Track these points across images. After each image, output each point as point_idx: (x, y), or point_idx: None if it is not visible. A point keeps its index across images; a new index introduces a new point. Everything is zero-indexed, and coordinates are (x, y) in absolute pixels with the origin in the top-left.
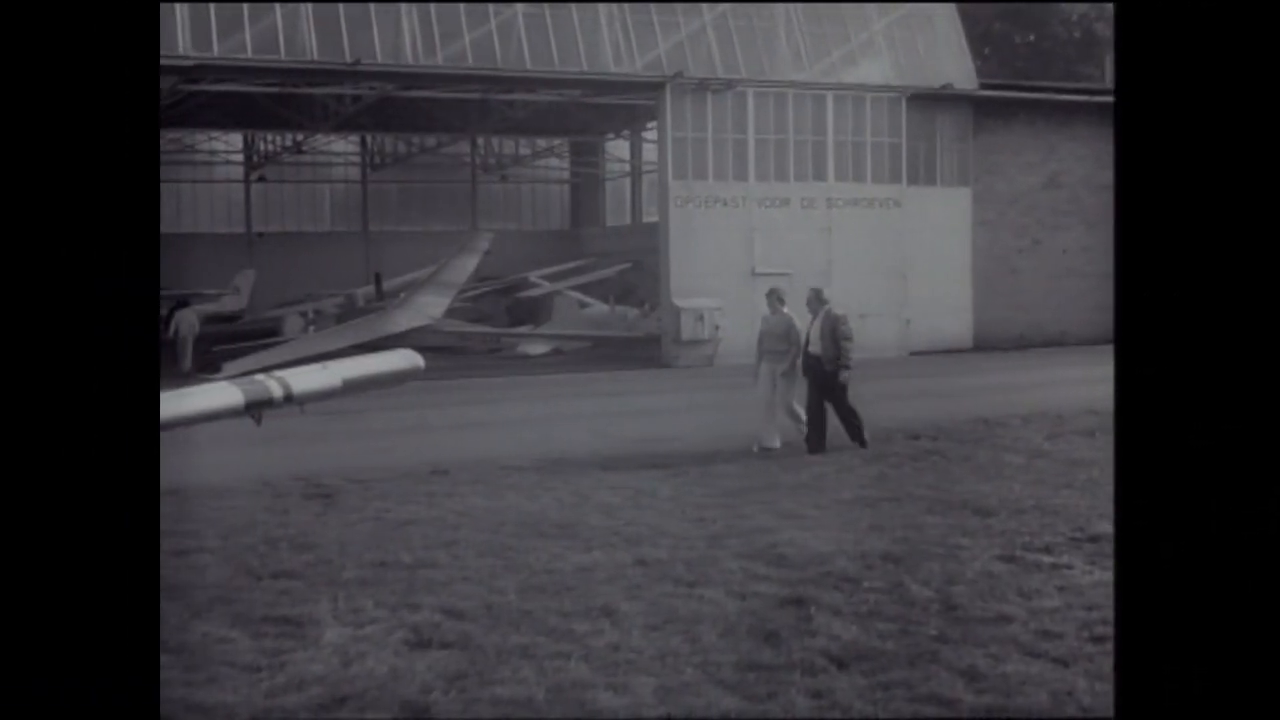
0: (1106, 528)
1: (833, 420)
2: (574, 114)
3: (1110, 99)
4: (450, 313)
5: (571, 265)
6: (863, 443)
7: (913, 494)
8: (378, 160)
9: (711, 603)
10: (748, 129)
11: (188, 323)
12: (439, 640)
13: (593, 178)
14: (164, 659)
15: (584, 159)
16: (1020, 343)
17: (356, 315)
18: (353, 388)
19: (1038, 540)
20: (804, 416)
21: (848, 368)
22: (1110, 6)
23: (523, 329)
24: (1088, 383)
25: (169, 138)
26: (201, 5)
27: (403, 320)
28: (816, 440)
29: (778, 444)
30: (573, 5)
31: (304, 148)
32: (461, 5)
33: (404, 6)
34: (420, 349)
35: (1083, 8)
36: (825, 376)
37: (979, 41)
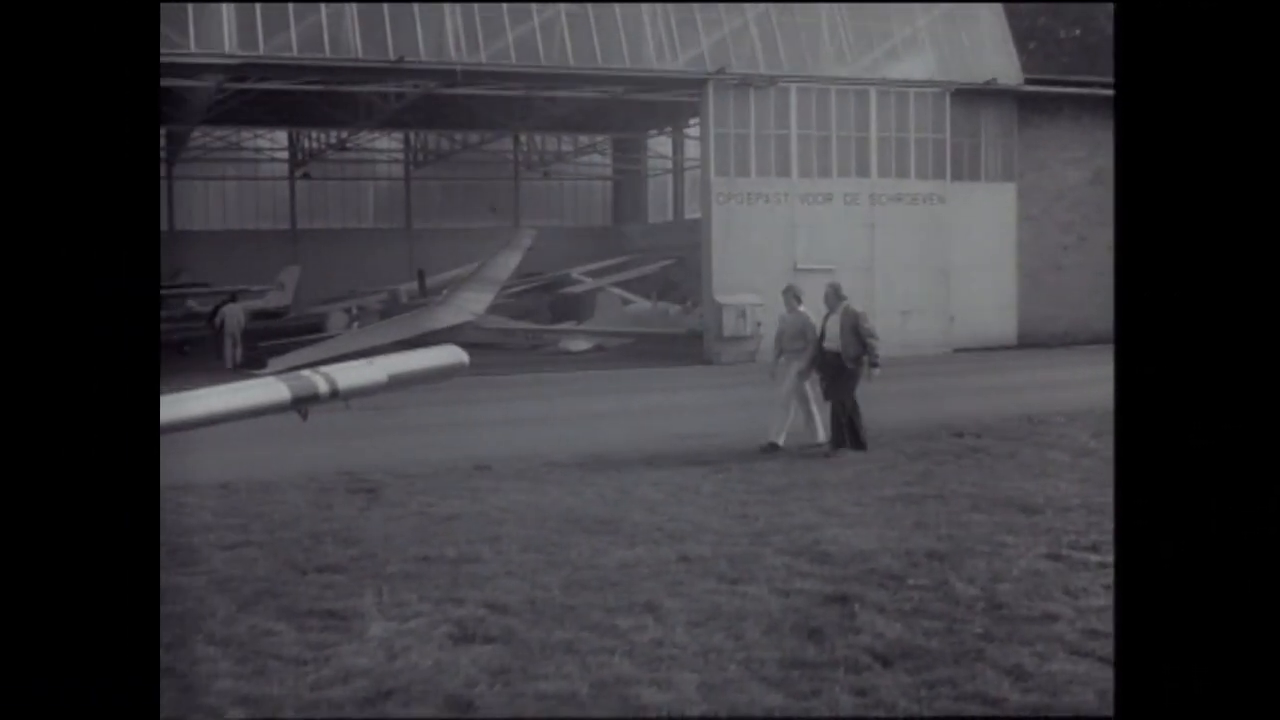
0: None
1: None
2: (616, 110)
3: None
4: (493, 309)
5: (614, 262)
6: (831, 447)
7: (957, 491)
8: (421, 157)
9: (755, 599)
10: (790, 125)
11: (235, 318)
12: (483, 635)
13: (635, 174)
14: (212, 651)
15: (626, 155)
16: (1065, 340)
17: (400, 312)
18: (398, 383)
19: (1084, 538)
20: (817, 415)
21: (876, 365)
22: None
23: (565, 325)
24: None
25: (215, 135)
26: (247, 5)
27: (446, 317)
28: (852, 438)
29: (782, 442)
30: (616, 5)
31: (348, 145)
32: (505, 5)
33: (448, 5)
34: (463, 345)
35: None
36: (843, 373)
37: (1024, 36)
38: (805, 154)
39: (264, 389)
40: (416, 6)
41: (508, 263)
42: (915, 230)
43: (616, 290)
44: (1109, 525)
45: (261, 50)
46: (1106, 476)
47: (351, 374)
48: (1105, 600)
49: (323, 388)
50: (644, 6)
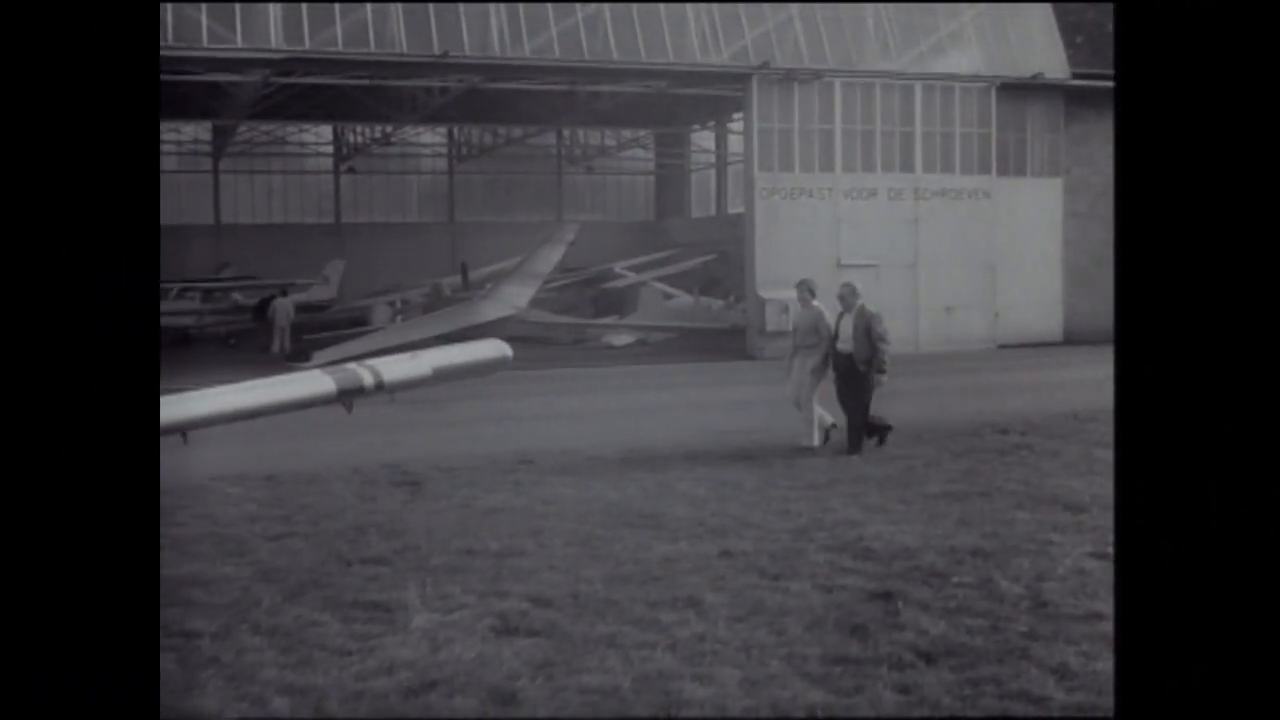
0: None
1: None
2: (660, 105)
3: None
4: (535, 303)
5: (656, 256)
6: (857, 448)
7: (1002, 489)
8: (465, 152)
9: (797, 595)
10: (834, 120)
11: (284, 311)
12: (526, 628)
13: (678, 169)
14: (258, 641)
15: (669, 150)
16: (1111, 336)
17: (443, 305)
18: (442, 376)
19: None
20: (819, 414)
21: (883, 371)
22: None
23: (607, 320)
24: None
25: (261, 130)
26: (294, 3)
27: (489, 310)
28: (872, 432)
29: (816, 442)
30: (660, 4)
31: (392, 139)
32: (550, 5)
33: (492, 1)
34: (506, 339)
35: None
36: (856, 374)
37: (1071, 30)
38: (849, 149)
39: (310, 382)
40: (461, 3)
41: (550, 257)
42: (960, 226)
43: (659, 285)
44: None
45: (307, 45)
46: None
47: (396, 367)
48: None
49: (368, 381)
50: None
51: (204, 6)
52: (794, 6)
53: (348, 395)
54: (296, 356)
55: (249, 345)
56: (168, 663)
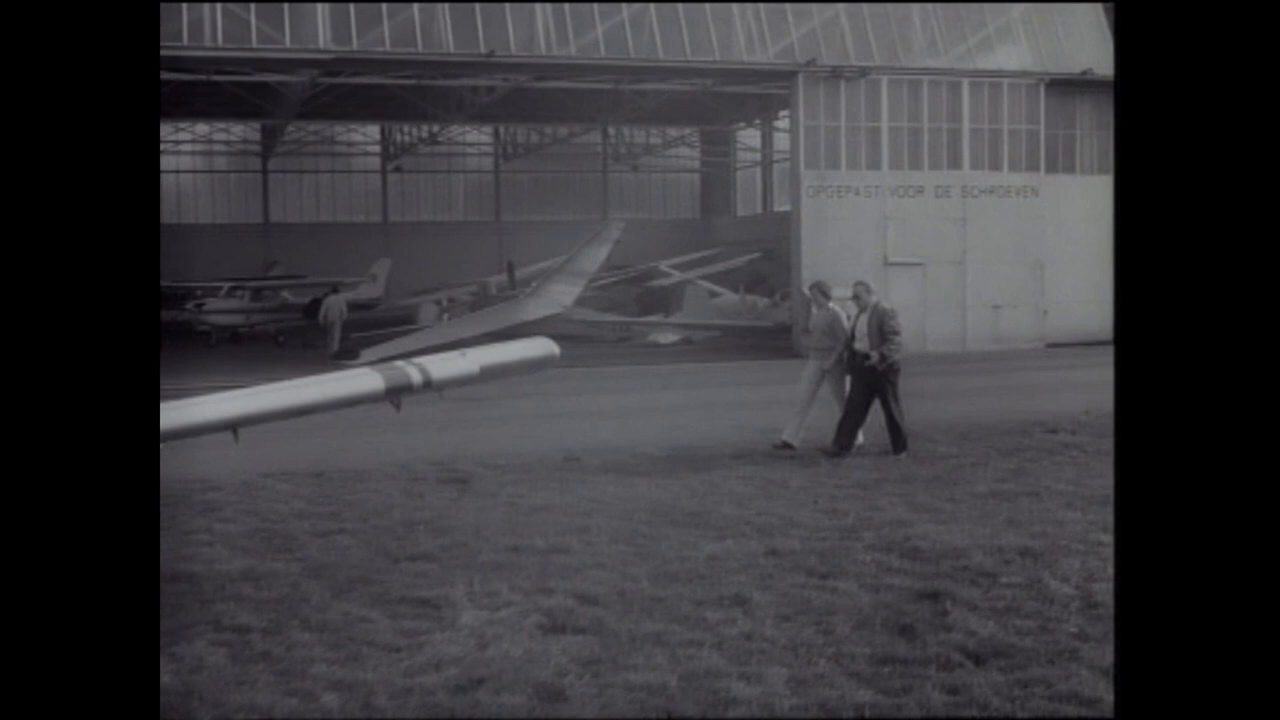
0: None
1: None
2: (705, 103)
3: None
4: (581, 301)
5: (702, 255)
6: (903, 447)
7: (1051, 489)
8: (510, 150)
9: (845, 595)
10: (881, 117)
11: (336, 308)
12: (573, 625)
13: (724, 167)
14: (307, 636)
15: (715, 148)
16: None
17: (489, 304)
18: (490, 374)
19: None
20: (804, 418)
21: (886, 358)
22: None
23: (653, 318)
24: None
25: (309, 129)
26: (342, 4)
27: (534, 309)
28: (847, 438)
29: (797, 444)
30: (706, 4)
31: (439, 138)
32: (596, 4)
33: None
34: (551, 337)
35: None
36: (872, 374)
37: None
38: (896, 146)
39: (359, 380)
40: (507, 2)
41: (596, 255)
42: (1008, 223)
43: (704, 283)
44: None
45: (355, 45)
46: None
47: (445, 365)
48: None
49: (416, 378)
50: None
51: (253, 7)
52: (841, 3)
53: (396, 393)
54: (344, 354)
55: (298, 343)
56: (219, 657)
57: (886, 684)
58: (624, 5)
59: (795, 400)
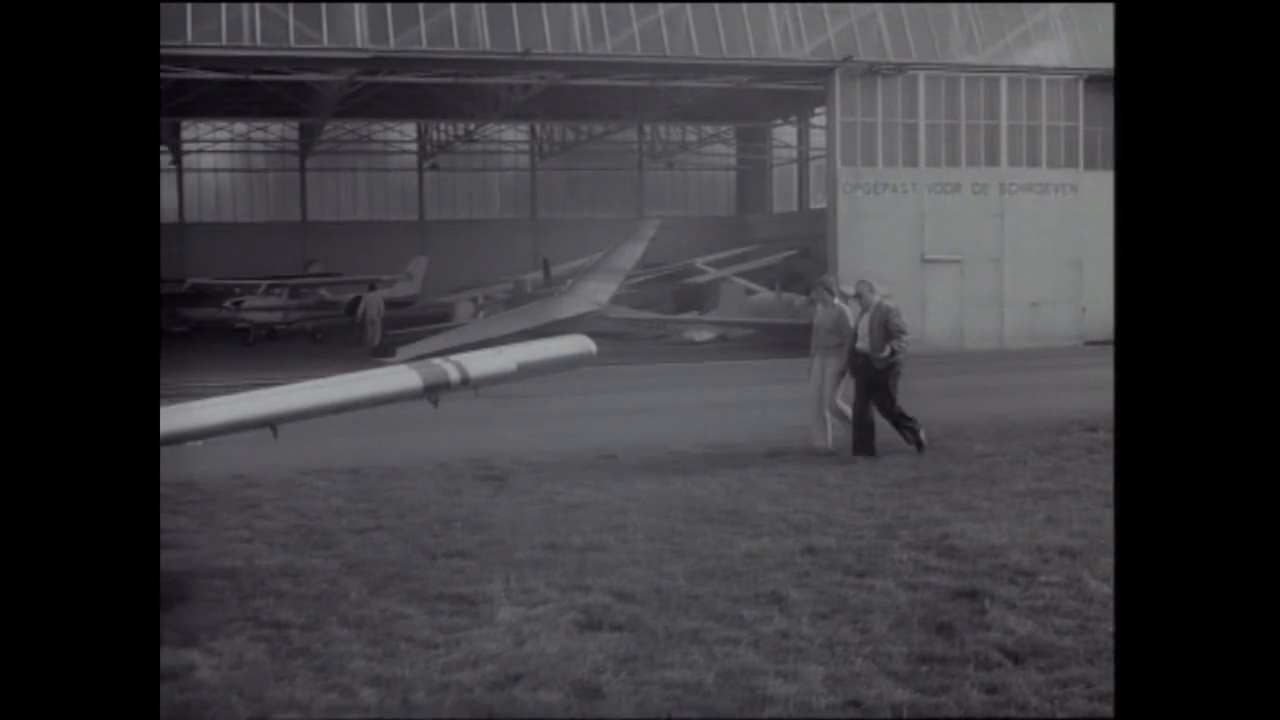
0: None
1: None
2: (741, 100)
3: None
4: (616, 299)
5: (737, 252)
6: (919, 445)
7: (1090, 487)
8: (546, 148)
9: (882, 593)
10: (918, 113)
11: (374, 305)
12: (609, 622)
13: (760, 164)
14: (346, 632)
15: (751, 145)
16: None
17: (525, 301)
18: (527, 372)
19: None
20: (849, 414)
21: (885, 354)
22: None
23: (688, 315)
24: None
25: (346, 128)
26: (379, 4)
27: (570, 306)
28: (862, 441)
29: (829, 444)
30: (744, 5)
31: (475, 137)
32: (632, 3)
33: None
34: (587, 335)
35: None
36: (873, 374)
37: None
38: (933, 143)
39: (398, 377)
40: (543, 2)
41: (632, 253)
42: (1047, 220)
43: (740, 280)
44: None
45: (392, 44)
46: None
47: (482, 362)
48: None
49: (454, 376)
50: None
51: (291, 7)
52: (877, 2)
53: (433, 390)
54: (382, 352)
55: (338, 341)
56: (258, 653)
57: (924, 683)
58: (660, 4)
59: (812, 402)
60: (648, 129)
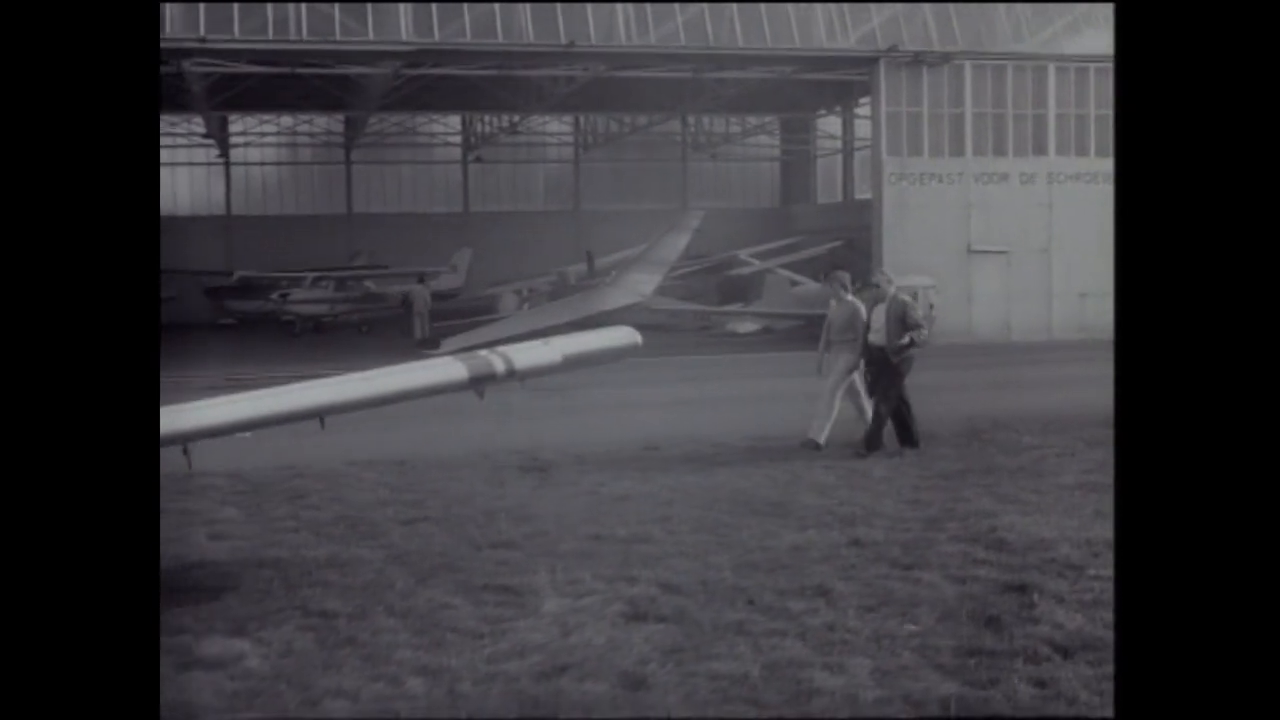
0: None
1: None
2: (785, 91)
3: None
4: (660, 290)
5: (782, 243)
6: (913, 443)
7: None
8: (590, 140)
9: (929, 586)
10: (965, 103)
11: (421, 298)
12: (655, 614)
13: (804, 155)
14: (392, 622)
15: (795, 136)
16: None
17: (568, 293)
18: (573, 363)
19: None
20: (869, 411)
21: (904, 341)
22: None
23: (733, 307)
24: None
25: (391, 121)
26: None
27: (614, 298)
28: (905, 433)
29: (823, 440)
30: None
31: (519, 129)
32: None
33: None
34: (631, 326)
35: None
36: (888, 367)
37: None
38: (980, 132)
39: (444, 369)
40: None
41: (676, 244)
42: (1095, 210)
43: (784, 272)
44: None
45: (436, 37)
46: None
47: (528, 354)
48: None
49: (500, 367)
50: None
51: (336, 4)
52: None
53: (480, 382)
54: (428, 344)
55: (381, 332)
56: (307, 642)
57: (972, 676)
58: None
59: (828, 402)
60: (691, 120)
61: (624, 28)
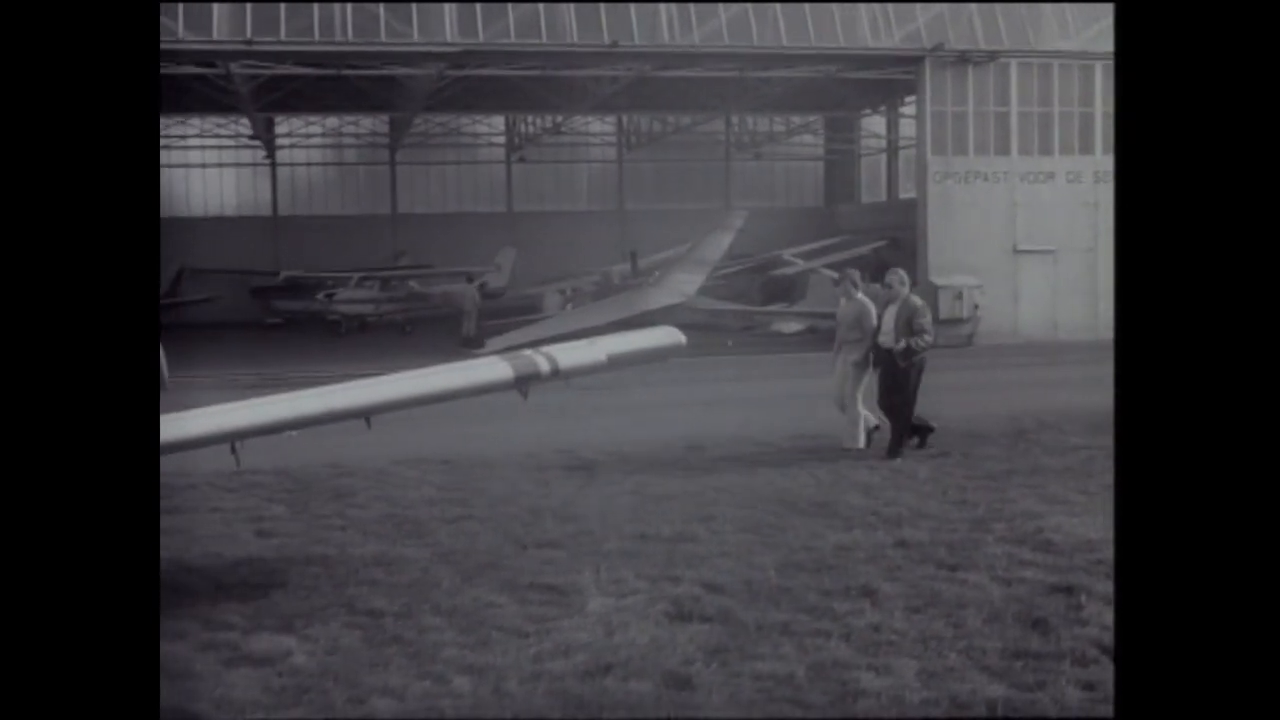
0: None
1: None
2: (830, 90)
3: None
4: (704, 290)
5: (826, 243)
6: (897, 453)
7: None
8: (634, 140)
9: (975, 587)
10: (1010, 101)
11: (470, 297)
12: (699, 614)
13: (848, 154)
14: (438, 621)
15: (839, 135)
16: None
17: (612, 293)
18: (617, 363)
19: None
20: (864, 414)
21: (915, 350)
22: None
23: (776, 307)
24: None
25: (435, 121)
26: (468, 2)
27: (658, 298)
28: (921, 432)
29: (861, 444)
30: None
31: (563, 129)
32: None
33: None
34: (675, 326)
35: None
36: (898, 370)
37: None
38: (1026, 131)
39: (489, 368)
40: None
41: (719, 244)
42: None
43: (828, 272)
44: None
45: (481, 38)
46: None
47: (572, 354)
48: None
49: (544, 367)
50: None
51: (381, 5)
52: None
53: (524, 381)
54: (473, 343)
55: (426, 332)
56: (353, 640)
57: (1019, 678)
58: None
59: (841, 403)
60: (735, 120)
61: (667, 27)
